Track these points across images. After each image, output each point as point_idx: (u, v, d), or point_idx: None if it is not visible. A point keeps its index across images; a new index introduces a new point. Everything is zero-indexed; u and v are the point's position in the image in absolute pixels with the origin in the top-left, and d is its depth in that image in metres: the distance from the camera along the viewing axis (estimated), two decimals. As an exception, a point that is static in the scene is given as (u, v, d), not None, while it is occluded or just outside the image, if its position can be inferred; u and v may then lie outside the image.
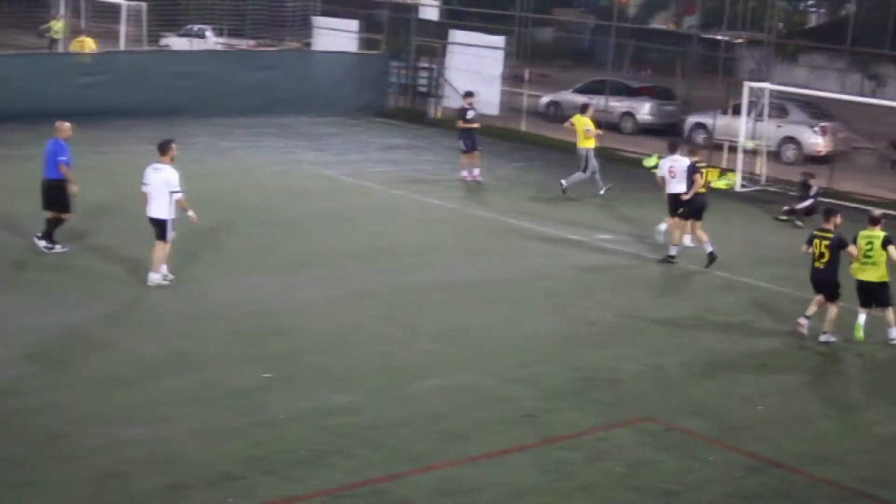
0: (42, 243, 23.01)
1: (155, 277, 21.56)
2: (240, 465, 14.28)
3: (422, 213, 29.44)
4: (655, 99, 48.95)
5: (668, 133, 46.60)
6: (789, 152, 41.50)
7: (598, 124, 35.04)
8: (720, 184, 37.41)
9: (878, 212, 21.86)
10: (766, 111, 38.82)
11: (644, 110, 48.16)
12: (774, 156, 40.27)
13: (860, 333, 20.79)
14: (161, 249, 21.65)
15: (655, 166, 38.58)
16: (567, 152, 40.56)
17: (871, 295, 21.06)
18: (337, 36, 52.88)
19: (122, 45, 52.79)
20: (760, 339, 21.15)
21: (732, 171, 37.92)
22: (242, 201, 29.20)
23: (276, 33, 58.39)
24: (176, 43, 58.92)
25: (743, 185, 37.06)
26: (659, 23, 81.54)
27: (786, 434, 16.66)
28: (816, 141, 41.66)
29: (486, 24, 53.41)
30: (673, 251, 25.89)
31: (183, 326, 19.43)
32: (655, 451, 15.72)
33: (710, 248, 25.68)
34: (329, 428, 15.62)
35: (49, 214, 23.18)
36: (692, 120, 46.28)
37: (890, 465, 15.89)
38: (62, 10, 54.96)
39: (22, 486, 13.46)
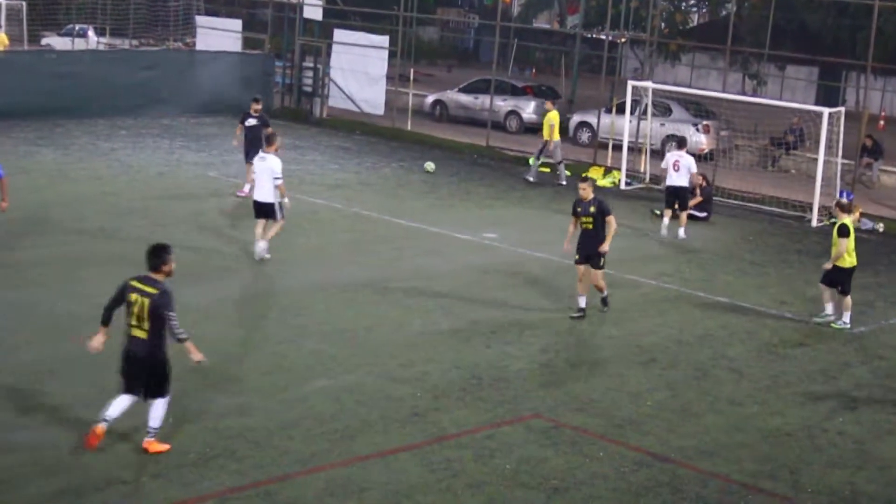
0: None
1: (260, 246, 24.21)
2: (127, 470, 14.11)
3: (307, 213, 29.29)
4: (540, 98, 49.20)
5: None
6: (672, 150, 41.89)
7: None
8: (605, 182, 37.72)
9: (844, 200, 23.68)
10: (649, 110, 39.17)
11: (529, 109, 48.40)
12: (658, 154, 40.64)
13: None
14: (275, 227, 24.38)
15: (542, 165, 38.98)
16: (452, 151, 40.75)
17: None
18: (220, 35, 52.59)
19: (3, 47, 52.06)
20: (647, 336, 21.34)
21: (617, 169, 38.25)
22: (125, 203, 28.86)
23: (158, 33, 57.94)
24: (57, 42, 58.20)
25: (627, 183, 37.37)
26: (542, 22, 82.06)
27: (674, 429, 16.82)
28: (699, 139, 42.13)
29: (370, 24, 53.37)
30: (582, 303, 22.38)
31: (66, 329, 19.13)
32: (543, 448, 15.78)
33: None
34: (217, 430, 15.50)
35: None
36: (577, 119, 46.64)
37: (776, 458, 16.09)
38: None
39: None
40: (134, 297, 15.03)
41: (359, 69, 47.86)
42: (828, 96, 59.80)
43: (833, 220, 31.85)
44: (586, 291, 22.15)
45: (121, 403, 14.81)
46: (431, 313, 21.67)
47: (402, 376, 18.02)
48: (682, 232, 30.06)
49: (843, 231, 22.33)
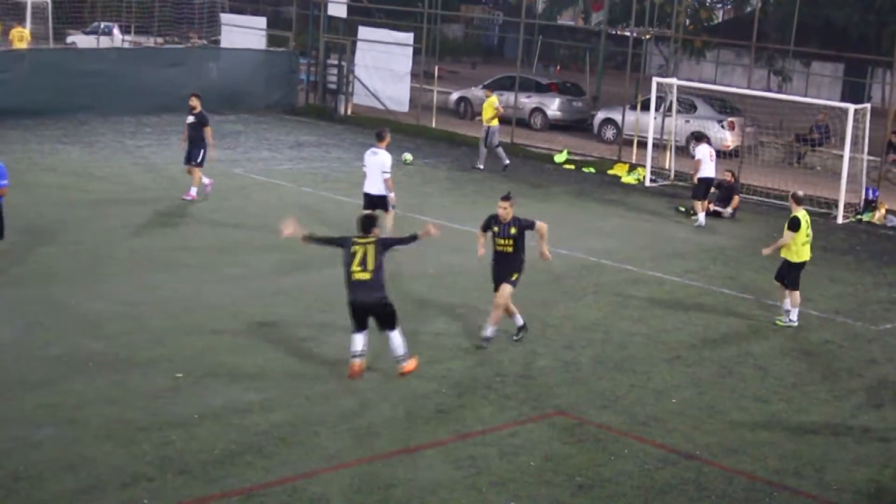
0: None
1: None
2: (152, 466, 14.14)
3: (331, 209, 29.32)
4: (564, 95, 49.20)
5: (577, 129, 47.04)
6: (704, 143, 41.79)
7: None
8: (630, 178, 37.70)
9: (800, 193, 23.32)
10: (674, 106, 39.11)
11: (553, 106, 48.41)
12: (683, 151, 40.61)
13: None
14: (389, 218, 25.25)
15: (566, 161, 39.00)
16: (477, 148, 40.71)
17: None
18: (245, 33, 52.69)
19: (25, 43, 52.24)
20: (672, 333, 21.30)
21: (641, 166, 38.20)
22: (151, 200, 28.96)
23: (183, 31, 58.09)
24: (82, 41, 58.37)
25: (652, 180, 37.32)
26: (566, 19, 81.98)
27: (699, 426, 16.79)
28: (724, 136, 42.03)
29: (394, 21, 53.40)
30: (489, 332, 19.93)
31: (92, 326, 19.20)
32: (568, 446, 15.77)
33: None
34: (242, 427, 15.52)
35: None
36: (601, 115, 46.62)
37: (801, 455, 16.05)
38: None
39: (-71, 490, 13.26)
40: (356, 248, 17.61)
41: (383, 66, 47.89)
42: (853, 92, 59.68)
43: (859, 216, 31.97)
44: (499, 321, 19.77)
45: (361, 339, 17.70)
46: (455, 310, 21.67)
47: (427, 373, 18.02)
48: (702, 218, 31.21)
49: (793, 224, 22.13)
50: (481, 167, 37.17)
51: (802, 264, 22.38)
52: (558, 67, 70.93)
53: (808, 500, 14.79)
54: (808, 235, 22.39)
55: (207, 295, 21.45)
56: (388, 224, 24.95)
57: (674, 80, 39.64)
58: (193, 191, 29.28)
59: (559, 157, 40.69)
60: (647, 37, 51.64)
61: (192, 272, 22.93)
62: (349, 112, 48.42)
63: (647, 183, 37.16)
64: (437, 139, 43.24)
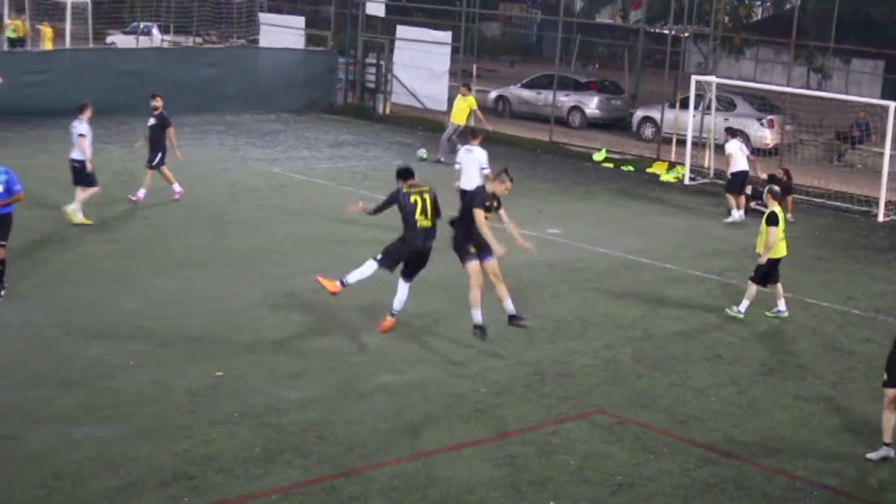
0: None
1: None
2: (193, 465, 14.18)
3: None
4: (603, 93, 49.11)
5: (616, 127, 46.92)
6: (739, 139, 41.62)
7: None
8: (669, 177, 37.61)
9: (777, 188, 22.83)
10: (713, 104, 38.99)
11: (592, 104, 48.34)
12: (722, 149, 40.40)
13: None
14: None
15: (605, 160, 38.95)
16: (515, 146, 40.70)
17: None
18: (283, 32, 52.82)
19: (67, 43, 52.51)
20: (712, 331, 21.23)
21: (680, 164, 38.10)
22: (190, 199, 29.05)
23: (222, 30, 58.26)
24: (122, 40, 58.63)
25: (691, 179, 37.22)
26: (605, 17, 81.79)
27: (738, 425, 16.72)
28: (763, 134, 41.87)
29: (432, 20, 53.42)
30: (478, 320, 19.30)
31: (132, 324, 19.29)
32: (607, 444, 15.74)
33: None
34: (282, 425, 15.56)
35: None
36: (640, 114, 46.53)
37: (841, 455, 15.97)
38: (6, 9, 54.71)
39: (-29, 488, 13.34)
40: (414, 198, 18.87)
41: (421, 65, 47.94)
42: (894, 90, 59.28)
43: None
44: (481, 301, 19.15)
45: (404, 291, 19.24)
46: (495, 308, 21.63)
47: (465, 372, 18.01)
48: (737, 214, 31.39)
49: (772, 219, 21.95)
50: (442, 159, 36.95)
51: (779, 260, 22.17)
52: (597, 65, 70.80)
53: (848, 501, 14.72)
54: (784, 231, 22.20)
55: (247, 293, 21.50)
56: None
57: (713, 78, 39.52)
58: (141, 192, 28.40)
59: (598, 156, 40.63)
60: (686, 34, 51.39)
61: (231, 271, 22.99)
62: (387, 111, 48.47)
63: (686, 181, 37.06)
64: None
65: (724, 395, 17.95)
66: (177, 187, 29.00)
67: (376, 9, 51.04)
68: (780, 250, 22.14)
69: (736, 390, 18.24)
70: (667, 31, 49.21)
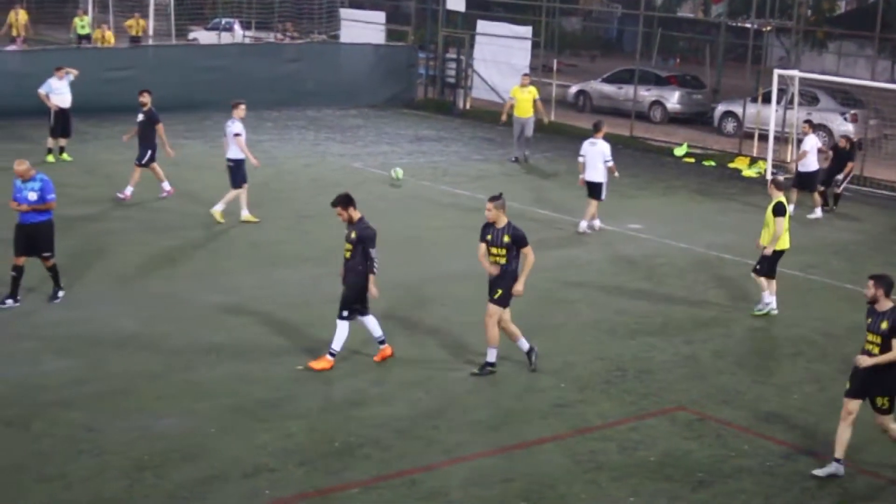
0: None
1: (583, 224, 27.33)
2: (273, 457, 14.29)
3: (450, 203, 29.41)
4: (684, 88, 48.81)
5: (697, 122, 46.61)
6: (820, 140, 41.22)
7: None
8: (750, 172, 37.35)
9: (781, 177, 22.35)
10: (795, 99, 38.65)
11: (673, 99, 48.05)
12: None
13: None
14: (593, 206, 27.27)
15: (686, 155, 38.74)
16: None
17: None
18: (364, 28, 52.92)
19: (150, 40, 52.96)
20: (794, 328, 21.06)
21: (762, 159, 37.79)
22: (271, 194, 29.25)
23: (303, 26, 58.51)
24: (204, 36, 59.05)
25: (773, 174, 36.89)
26: (686, 11, 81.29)
27: (820, 423, 16.57)
28: (847, 128, 41.43)
29: (513, 15, 53.34)
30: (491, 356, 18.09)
31: (214, 319, 19.46)
32: (688, 441, 15.68)
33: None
34: (362, 420, 15.63)
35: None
36: (721, 108, 46.16)
37: (925, 453, 15.80)
38: (89, 6, 55.25)
39: (54, 479, 13.50)
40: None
41: (502, 60, 47.87)
42: (982, 84, 58.49)
43: None
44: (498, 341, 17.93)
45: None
46: (575, 304, 21.63)
47: (546, 367, 17.98)
48: (819, 212, 31.30)
49: (780, 209, 21.42)
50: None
51: (782, 252, 21.77)
52: (678, 60, 70.36)
53: (933, 499, 14.58)
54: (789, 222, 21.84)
55: (327, 288, 21.55)
56: (590, 211, 27.36)
57: (795, 72, 39.14)
58: (129, 190, 27.69)
59: (679, 151, 40.41)
60: (769, 28, 50.98)
61: (311, 265, 23.11)
62: (468, 106, 48.45)
63: (769, 176, 36.72)
64: (555, 133, 43.05)
65: (806, 393, 17.81)
66: (166, 185, 28.40)
67: (457, 4, 51.01)
68: (784, 242, 21.67)
69: (818, 387, 18.09)
70: (749, 25, 48.85)
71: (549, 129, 41.43)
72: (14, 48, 44.74)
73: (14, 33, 51.47)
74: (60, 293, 20.11)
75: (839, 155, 32.44)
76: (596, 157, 27.22)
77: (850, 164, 32.28)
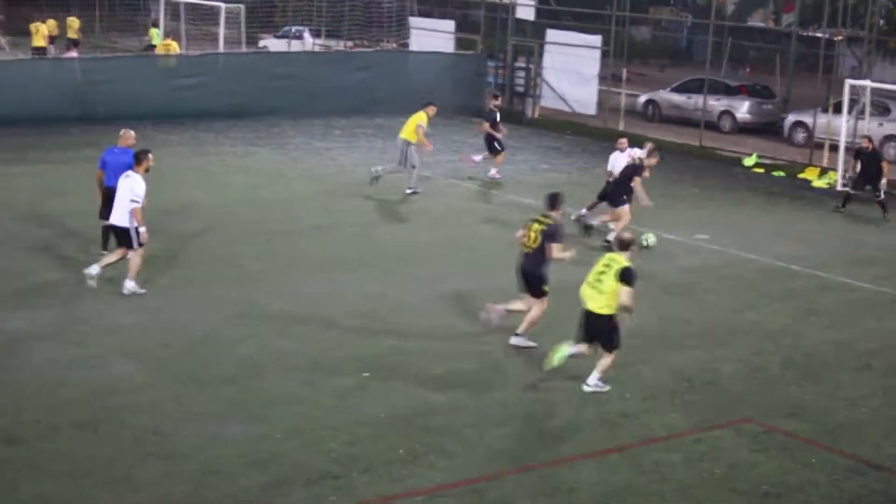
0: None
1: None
2: (338, 464, 14.34)
3: (518, 213, 29.39)
4: (754, 97, 48.57)
5: (767, 132, 46.34)
6: (892, 150, 40.89)
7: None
8: (821, 182, 37.11)
9: (627, 235, 18.25)
10: (867, 109, 38.35)
11: (743, 109, 47.82)
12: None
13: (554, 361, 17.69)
14: (623, 215, 26.46)
15: (755, 165, 38.53)
16: (664, 151, 40.37)
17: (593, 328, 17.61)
18: (433, 36, 53.04)
19: (220, 48, 53.34)
20: (863, 341, 20.87)
21: (833, 170, 37.54)
22: (340, 201, 29.37)
23: (372, 34, 58.69)
24: (274, 44, 59.39)
25: (843, 185, 36.65)
26: (757, 20, 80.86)
27: (889, 436, 16.44)
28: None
29: (582, 24, 53.29)
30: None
31: (281, 325, 19.55)
32: (754, 453, 15.58)
33: None
34: (428, 427, 15.65)
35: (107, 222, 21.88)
36: (792, 118, 45.88)
37: None
38: (162, 14, 55.75)
39: (121, 482, 13.61)
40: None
41: (571, 69, 47.83)
42: None
43: None
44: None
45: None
46: (643, 315, 21.51)
47: (612, 377, 17.92)
48: None
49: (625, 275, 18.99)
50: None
51: None
52: (748, 69, 69.98)
53: None
54: None
55: (395, 296, 21.67)
56: (620, 222, 26.57)
57: (867, 82, 38.85)
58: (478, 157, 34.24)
59: (748, 161, 40.20)
60: (840, 38, 50.66)
61: (379, 273, 23.18)
62: (537, 115, 48.44)
63: (839, 187, 36.49)
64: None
65: (875, 406, 17.66)
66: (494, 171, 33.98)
67: (526, 13, 51.06)
68: None
69: (886, 401, 17.93)
70: (820, 35, 48.54)
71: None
72: (73, 55, 45.10)
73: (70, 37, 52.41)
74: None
75: (865, 157, 32.15)
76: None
77: (885, 165, 31.99)
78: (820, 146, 40.63)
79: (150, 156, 21.31)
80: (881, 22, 56.33)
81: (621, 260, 17.27)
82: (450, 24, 55.09)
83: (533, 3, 51.26)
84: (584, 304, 17.44)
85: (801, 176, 38.43)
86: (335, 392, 16.71)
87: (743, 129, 47.14)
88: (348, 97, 44.54)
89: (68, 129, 36.79)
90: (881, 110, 41.95)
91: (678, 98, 49.48)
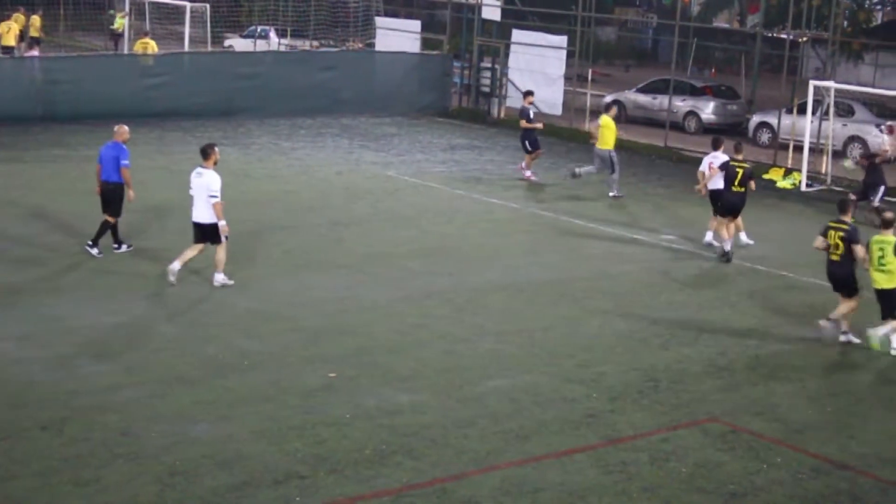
0: (95, 251, 23.05)
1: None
2: (304, 464, 14.30)
3: (484, 212, 29.42)
4: (719, 98, 48.73)
5: (732, 132, 46.47)
6: (856, 151, 41.07)
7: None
8: (785, 183, 37.22)
9: (889, 214, 20.12)
10: (831, 110, 38.52)
11: (708, 109, 47.99)
12: (839, 155, 39.94)
13: (874, 342, 19.97)
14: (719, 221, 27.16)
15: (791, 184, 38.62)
16: (630, 151, 40.47)
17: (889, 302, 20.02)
18: (399, 36, 53.01)
19: (186, 47, 53.19)
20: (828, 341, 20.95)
21: (797, 170, 37.68)
22: (304, 201, 29.34)
23: (338, 34, 58.64)
24: (239, 44, 59.28)
25: (808, 185, 36.80)
26: (722, 21, 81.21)
27: (854, 436, 16.49)
28: (882, 140, 41.27)
29: (548, 24, 53.35)
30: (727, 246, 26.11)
31: (247, 325, 19.51)
32: (720, 453, 15.61)
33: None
34: (394, 427, 15.63)
35: (105, 218, 23.27)
36: (756, 119, 46.06)
37: (959, 468, 15.71)
38: (126, 7, 55.59)
39: (88, 484, 13.53)
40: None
41: (536, 69, 47.88)
42: None
43: None
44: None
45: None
46: (608, 314, 21.58)
47: (578, 377, 17.97)
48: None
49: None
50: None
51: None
52: (713, 70, 70.25)
53: (967, 514, 14.49)
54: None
55: (361, 296, 21.64)
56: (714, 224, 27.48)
57: (831, 83, 39.04)
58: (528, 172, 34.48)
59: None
60: (804, 39, 50.91)
61: (346, 273, 23.15)
62: (502, 115, 48.47)
63: (804, 188, 36.64)
64: (590, 143, 42.99)
65: (840, 406, 17.72)
66: (528, 172, 34.76)
67: (492, 13, 51.09)
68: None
69: (852, 400, 18.01)
70: (785, 36, 48.73)
71: (584, 140, 41.35)
72: (34, 53, 44.82)
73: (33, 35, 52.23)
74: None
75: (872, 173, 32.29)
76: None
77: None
78: (785, 147, 40.77)
79: (216, 148, 21.94)
80: (845, 23, 56.65)
81: (890, 238, 19.69)
82: (416, 24, 55.07)
83: (499, 3, 51.31)
84: (875, 286, 20.03)
85: (766, 176, 38.52)
86: (301, 392, 16.67)
87: (708, 129, 47.20)
88: (314, 97, 44.49)
89: (30, 128, 36.60)
90: (845, 111, 42.14)
91: (643, 99, 49.62)
